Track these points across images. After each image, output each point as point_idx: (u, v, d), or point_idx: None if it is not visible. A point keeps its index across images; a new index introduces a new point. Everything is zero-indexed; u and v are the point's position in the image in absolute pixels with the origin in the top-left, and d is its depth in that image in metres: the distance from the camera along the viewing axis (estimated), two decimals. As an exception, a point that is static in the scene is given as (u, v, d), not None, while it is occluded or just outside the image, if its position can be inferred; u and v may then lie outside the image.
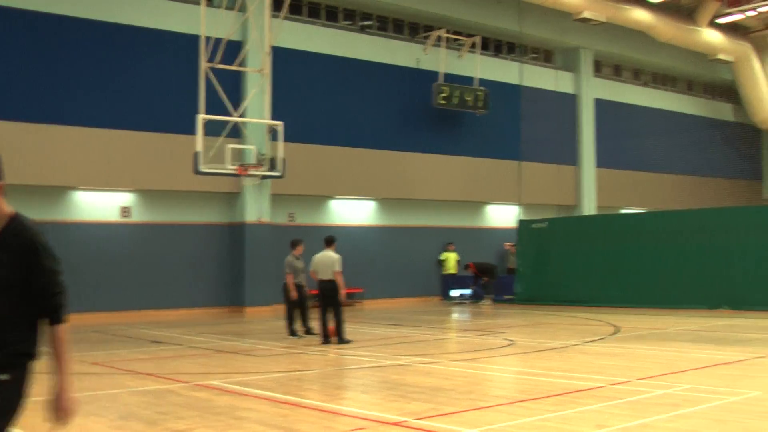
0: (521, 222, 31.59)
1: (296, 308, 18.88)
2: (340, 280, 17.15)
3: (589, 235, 28.97)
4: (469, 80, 31.98)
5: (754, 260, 24.36)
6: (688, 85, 42.38)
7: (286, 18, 26.38)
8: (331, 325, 17.16)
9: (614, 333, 18.76)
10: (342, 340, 17.04)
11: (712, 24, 36.70)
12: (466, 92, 31.61)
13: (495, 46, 34.21)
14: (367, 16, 30.72)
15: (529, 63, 35.11)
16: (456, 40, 31.73)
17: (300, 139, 26.76)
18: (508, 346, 16.59)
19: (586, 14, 32.26)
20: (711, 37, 36.98)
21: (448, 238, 31.30)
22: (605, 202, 36.82)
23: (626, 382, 11.38)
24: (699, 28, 36.26)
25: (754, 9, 34.88)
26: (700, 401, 9.85)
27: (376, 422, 8.94)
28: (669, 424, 8.67)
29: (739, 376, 11.97)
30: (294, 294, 18.71)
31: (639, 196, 38.74)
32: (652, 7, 34.26)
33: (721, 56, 38.60)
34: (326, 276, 17.20)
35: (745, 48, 38.96)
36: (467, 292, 30.79)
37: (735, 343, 16.28)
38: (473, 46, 32.10)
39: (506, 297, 29.81)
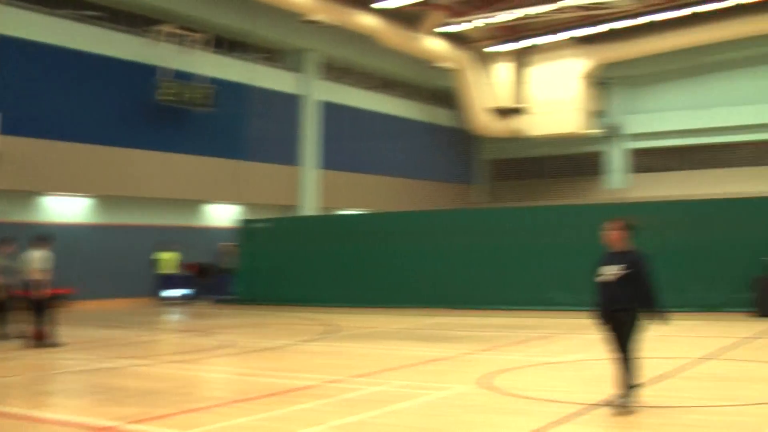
0: (243, 221, 31.46)
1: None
2: (44, 280, 16.30)
3: (311, 235, 29.30)
4: (196, 77, 31.36)
5: (463, 261, 25.56)
6: (410, 90, 43.84)
7: (4, 3, 24.81)
8: (40, 327, 16.27)
9: (332, 332, 19.03)
10: (51, 343, 16.19)
11: (436, 33, 38.15)
12: (192, 89, 30.97)
13: (224, 43, 33.75)
14: (91, 6, 29.39)
15: (257, 62, 35.05)
16: (184, 35, 31.02)
17: (13, 131, 25.12)
18: (225, 346, 16.41)
19: (314, 16, 32.61)
20: (434, 45, 38.45)
21: (167, 237, 30.53)
22: (327, 203, 37.39)
23: (340, 380, 11.53)
24: (423, 36, 37.61)
25: (473, 20, 36.54)
26: (410, 397, 10.14)
27: (84, 428, 8.53)
28: (380, 420, 8.87)
29: (447, 372, 12.47)
30: (-2, 295, 17.59)
31: (360, 197, 39.66)
32: (379, 13, 35.11)
33: (443, 64, 40.28)
34: (32, 276, 16.32)
35: (465, 57, 40.85)
36: (186, 292, 30.24)
37: (445, 340, 16.96)
38: (203, 42, 31.54)
39: (226, 297, 29.53)
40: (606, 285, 9.06)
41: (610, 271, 9.02)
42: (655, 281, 9.02)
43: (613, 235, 9.23)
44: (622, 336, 8.98)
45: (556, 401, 9.75)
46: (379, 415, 9.06)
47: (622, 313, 8.95)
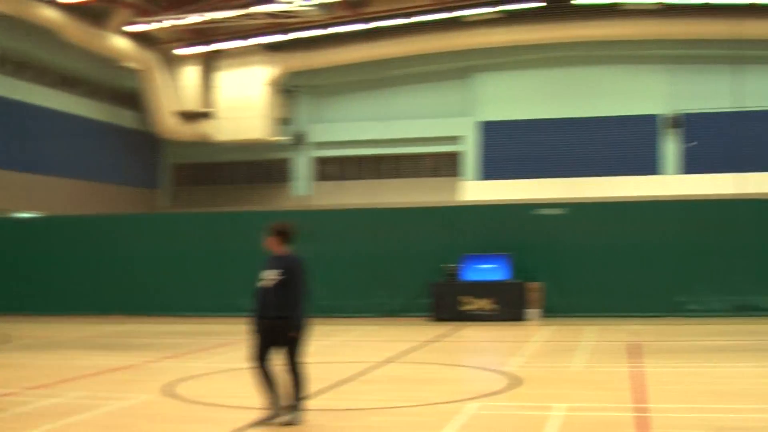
0: None
1: None
2: None
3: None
4: None
5: (146, 266, 25.03)
6: (93, 89, 42.20)
7: None
8: None
9: (3, 342, 17.94)
10: None
11: (122, 31, 37.12)
12: None
13: None
14: None
15: None
16: None
17: None
18: None
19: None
20: (119, 43, 37.39)
21: None
22: (-1, 204, 35.19)
23: (14, 393, 10.92)
24: (108, 34, 36.45)
25: (161, 21, 35.96)
26: (90, 408, 9.82)
27: None
28: (57, 434, 8.50)
29: (129, 381, 12.18)
30: None
31: (36, 200, 37.63)
32: (62, 7, 33.61)
33: (129, 63, 39.27)
34: None
35: (152, 58, 40.05)
36: None
37: (126, 348, 16.55)
38: None
39: None
40: (264, 290, 8.90)
41: (269, 276, 8.90)
42: (308, 288, 8.94)
43: (267, 240, 9.11)
44: (284, 345, 8.80)
45: (240, 407, 9.84)
46: (56, 428, 8.69)
47: (279, 320, 8.76)
